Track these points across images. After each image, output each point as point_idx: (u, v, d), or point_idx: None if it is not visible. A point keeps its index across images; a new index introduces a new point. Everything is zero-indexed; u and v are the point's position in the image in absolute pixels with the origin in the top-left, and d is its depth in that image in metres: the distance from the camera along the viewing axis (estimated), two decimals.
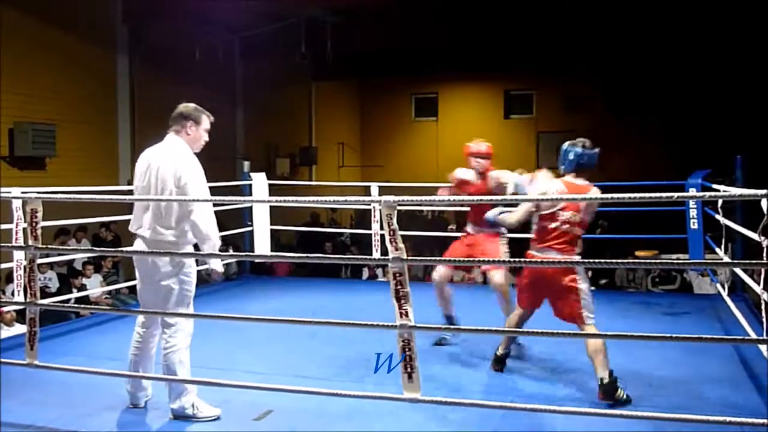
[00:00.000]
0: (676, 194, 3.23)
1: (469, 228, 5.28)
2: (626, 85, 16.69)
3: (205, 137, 4.21)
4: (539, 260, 4.20)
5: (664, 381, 4.38)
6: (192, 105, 4.20)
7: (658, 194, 3.11)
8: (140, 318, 3.97)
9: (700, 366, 4.60)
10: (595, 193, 4.19)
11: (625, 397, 3.90)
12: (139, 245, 3.92)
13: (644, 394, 4.13)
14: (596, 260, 3.25)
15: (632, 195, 3.14)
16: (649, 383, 4.34)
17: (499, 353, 4.52)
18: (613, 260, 3.39)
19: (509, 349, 4.57)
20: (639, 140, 16.81)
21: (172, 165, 3.89)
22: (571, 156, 4.25)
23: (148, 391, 3.97)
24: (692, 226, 6.56)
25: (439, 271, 5.23)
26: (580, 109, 17.52)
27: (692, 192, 6.35)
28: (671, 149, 15.78)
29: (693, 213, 6.55)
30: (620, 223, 12.12)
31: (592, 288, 9.11)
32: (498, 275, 5.04)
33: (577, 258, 4.23)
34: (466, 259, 5.01)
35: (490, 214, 4.62)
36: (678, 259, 8.71)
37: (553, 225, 4.17)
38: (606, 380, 3.91)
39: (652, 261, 9.32)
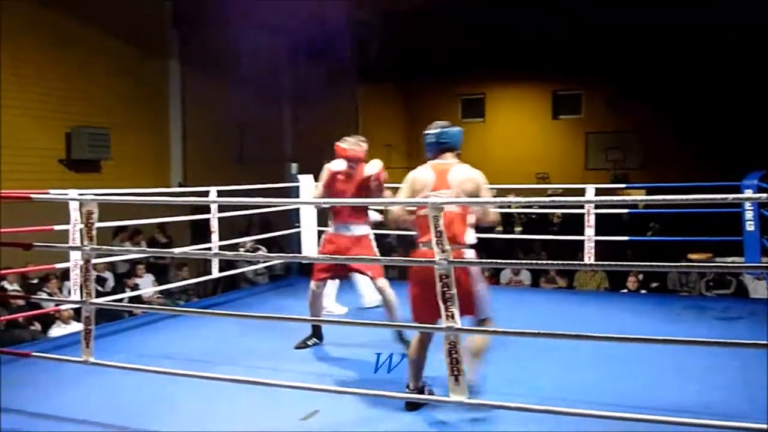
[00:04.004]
0: (731, 195, 3.15)
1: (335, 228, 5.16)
2: (677, 84, 16.34)
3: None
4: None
5: (715, 386, 4.28)
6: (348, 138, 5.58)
7: (711, 196, 3.04)
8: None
9: (751, 372, 4.47)
10: (459, 169, 3.87)
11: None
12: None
13: (693, 400, 4.05)
14: (647, 263, 3.19)
15: (685, 197, 3.08)
16: (698, 389, 4.25)
17: (413, 388, 3.89)
18: (665, 263, 3.34)
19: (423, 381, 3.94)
20: (691, 141, 16.44)
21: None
22: (431, 139, 3.95)
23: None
24: (748, 229, 6.39)
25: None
26: (630, 109, 17.23)
27: (748, 193, 6.19)
28: (726, 150, 15.40)
29: (749, 215, 6.37)
30: (673, 225, 11.91)
31: (642, 291, 9.00)
32: (383, 280, 4.95)
33: (470, 248, 3.83)
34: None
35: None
36: (733, 262, 8.48)
37: (426, 211, 3.47)
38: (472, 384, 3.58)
39: (706, 264, 9.10)
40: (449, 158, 3.94)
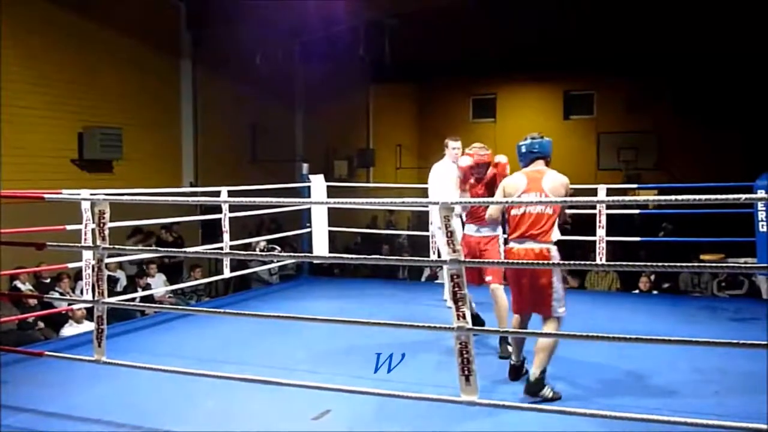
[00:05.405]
0: (743, 196, 3.12)
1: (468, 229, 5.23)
2: (692, 84, 16.25)
3: (454, 153, 6.11)
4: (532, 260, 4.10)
5: (731, 389, 4.25)
6: (447, 138, 6.31)
7: (724, 196, 3.02)
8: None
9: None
10: (552, 175, 4.17)
11: (551, 395, 4.01)
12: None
13: (709, 402, 4.02)
14: (660, 264, 3.17)
15: (697, 197, 3.05)
16: (715, 391, 4.22)
17: (515, 362, 4.42)
18: (677, 264, 3.31)
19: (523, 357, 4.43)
20: (707, 141, 16.34)
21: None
22: (523, 149, 4.29)
23: None
24: (761, 229, 6.35)
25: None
26: (643, 109, 17.14)
27: (761, 194, 6.15)
28: (742, 150, 15.30)
29: (762, 215, 6.33)
30: (685, 225, 11.83)
31: (654, 292, 8.94)
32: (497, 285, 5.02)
33: (554, 245, 4.13)
34: (523, 261, 4.95)
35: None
36: (746, 263, 8.42)
37: (519, 211, 4.16)
38: (533, 378, 4.01)
39: (718, 265, 9.03)
40: (541, 166, 4.24)
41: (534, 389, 4.00)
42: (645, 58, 15.68)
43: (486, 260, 4.95)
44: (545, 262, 4.10)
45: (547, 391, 4.01)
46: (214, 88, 12.70)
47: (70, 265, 6.22)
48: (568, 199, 4.13)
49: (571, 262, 5.55)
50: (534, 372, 4.03)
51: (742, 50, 14.16)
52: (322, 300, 7.39)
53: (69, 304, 6.95)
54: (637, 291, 8.92)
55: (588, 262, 7.08)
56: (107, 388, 4.29)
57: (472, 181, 5.19)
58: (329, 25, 13.09)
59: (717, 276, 9.40)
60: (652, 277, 9.04)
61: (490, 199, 5.09)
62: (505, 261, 4.17)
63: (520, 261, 4.11)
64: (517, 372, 4.40)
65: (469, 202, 4.90)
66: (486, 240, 5.11)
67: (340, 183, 13.29)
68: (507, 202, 4.26)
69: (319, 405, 3.90)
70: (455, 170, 5.62)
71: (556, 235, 4.15)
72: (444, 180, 6.05)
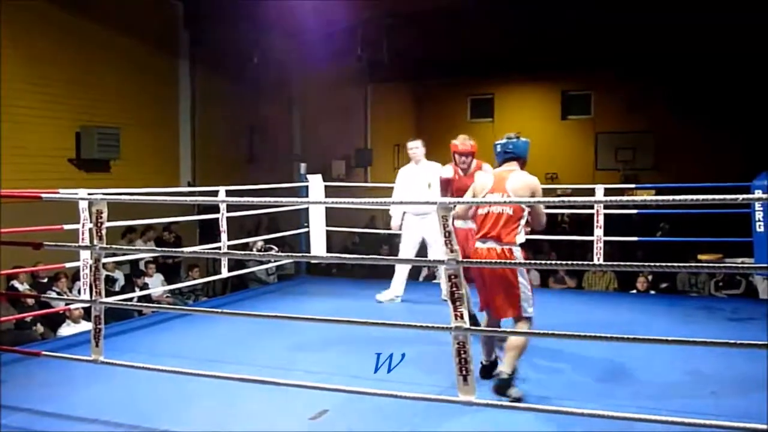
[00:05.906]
0: (740, 196, 3.13)
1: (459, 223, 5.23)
2: (690, 84, 16.24)
3: (410, 154, 6.99)
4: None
5: (728, 389, 4.26)
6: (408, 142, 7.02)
7: (721, 196, 3.02)
8: None
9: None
10: (518, 176, 4.20)
11: (516, 395, 3.96)
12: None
13: (707, 401, 4.03)
14: (657, 264, 3.17)
15: (695, 197, 3.06)
16: (712, 391, 4.23)
17: (485, 362, 4.39)
18: (675, 264, 3.32)
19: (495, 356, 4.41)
20: (705, 141, 16.34)
21: None
22: (498, 149, 4.36)
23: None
24: (758, 229, 6.36)
25: None
26: (641, 109, 17.14)
27: (758, 194, 6.16)
28: (741, 150, 15.29)
29: (759, 215, 6.34)
30: (683, 225, 11.84)
31: (652, 291, 8.95)
32: None
33: (517, 247, 4.12)
34: (511, 261, 4.95)
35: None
36: (743, 263, 8.43)
37: (483, 211, 4.21)
38: (505, 376, 3.98)
39: (716, 265, 9.05)
40: (513, 166, 4.31)
41: (502, 387, 3.96)
42: (643, 58, 15.68)
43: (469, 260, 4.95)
44: (512, 261, 4.09)
45: (513, 391, 3.97)
46: (212, 87, 12.70)
47: (68, 265, 6.22)
48: (567, 198, 4.14)
49: (569, 261, 5.56)
50: (504, 371, 4.01)
51: (740, 50, 14.16)
52: (319, 300, 7.38)
53: (66, 304, 6.95)
54: (634, 291, 8.93)
55: (586, 262, 7.09)
56: (105, 387, 4.28)
57: (458, 175, 5.33)
58: (327, 25, 13.07)
59: (714, 276, 9.42)
60: (650, 277, 9.06)
61: (485, 200, 5.08)
62: (494, 261, 4.13)
63: (501, 261, 4.11)
64: (487, 371, 4.38)
65: (467, 202, 4.89)
66: (473, 231, 5.11)
67: (337, 183, 13.28)
68: (506, 201, 4.24)
69: (317, 405, 3.90)
70: (419, 171, 6.69)
71: (521, 237, 4.14)
72: (404, 183, 6.84)
